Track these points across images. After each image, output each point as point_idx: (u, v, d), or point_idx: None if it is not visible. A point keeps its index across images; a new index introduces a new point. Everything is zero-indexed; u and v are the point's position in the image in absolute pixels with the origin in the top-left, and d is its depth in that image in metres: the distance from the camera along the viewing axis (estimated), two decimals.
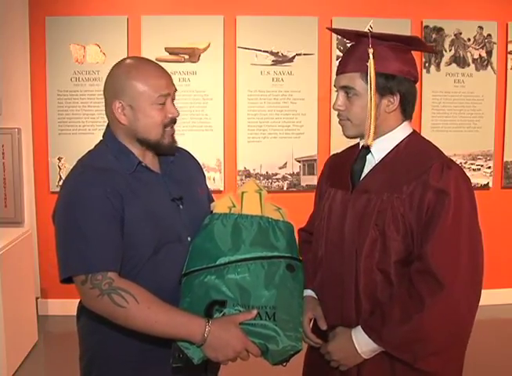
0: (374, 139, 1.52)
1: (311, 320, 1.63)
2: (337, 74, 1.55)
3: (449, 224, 1.41)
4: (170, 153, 1.58)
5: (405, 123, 1.56)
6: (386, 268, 1.47)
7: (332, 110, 4.39)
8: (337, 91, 1.55)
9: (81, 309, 1.55)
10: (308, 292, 1.67)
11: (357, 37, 1.53)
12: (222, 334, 1.38)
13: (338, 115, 1.56)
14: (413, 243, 1.45)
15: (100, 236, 1.39)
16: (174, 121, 1.54)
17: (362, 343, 1.47)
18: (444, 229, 1.41)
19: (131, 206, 1.44)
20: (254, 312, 1.42)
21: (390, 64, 1.48)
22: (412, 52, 1.56)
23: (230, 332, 1.38)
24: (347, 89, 1.51)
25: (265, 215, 1.55)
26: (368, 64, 1.44)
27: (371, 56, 1.44)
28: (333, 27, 3.92)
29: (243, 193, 1.57)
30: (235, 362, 1.47)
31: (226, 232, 1.50)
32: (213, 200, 1.67)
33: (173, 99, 1.53)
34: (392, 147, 1.54)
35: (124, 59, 1.57)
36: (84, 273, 1.38)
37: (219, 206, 1.56)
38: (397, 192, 1.46)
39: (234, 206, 1.54)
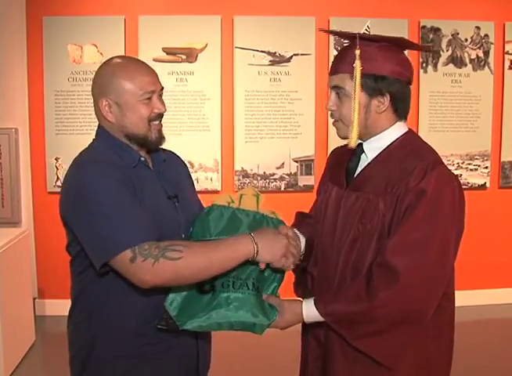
0: (366, 140, 1.55)
1: None
2: (329, 75, 1.57)
3: (418, 219, 1.39)
4: (157, 148, 1.58)
5: (399, 123, 1.55)
6: (360, 268, 1.48)
7: None
8: (330, 93, 1.57)
9: (71, 311, 1.55)
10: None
11: (348, 38, 1.54)
12: (263, 235, 1.46)
13: (331, 115, 1.58)
14: None
15: (130, 212, 1.39)
16: (160, 116, 1.54)
17: (309, 309, 1.49)
18: (411, 223, 1.40)
19: (139, 200, 1.45)
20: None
21: (379, 65, 1.48)
22: (410, 51, 1.54)
23: (269, 231, 1.49)
24: (338, 90, 1.52)
25: (261, 212, 1.59)
26: (354, 65, 1.45)
27: (358, 57, 1.45)
28: (331, 27, 3.92)
29: (241, 195, 1.60)
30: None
31: (222, 220, 1.53)
32: (201, 206, 1.68)
33: (160, 96, 1.54)
34: (385, 147, 1.54)
35: (111, 58, 1.56)
36: (130, 248, 1.36)
37: (219, 200, 1.58)
38: (382, 193, 1.47)
39: (233, 202, 1.57)
